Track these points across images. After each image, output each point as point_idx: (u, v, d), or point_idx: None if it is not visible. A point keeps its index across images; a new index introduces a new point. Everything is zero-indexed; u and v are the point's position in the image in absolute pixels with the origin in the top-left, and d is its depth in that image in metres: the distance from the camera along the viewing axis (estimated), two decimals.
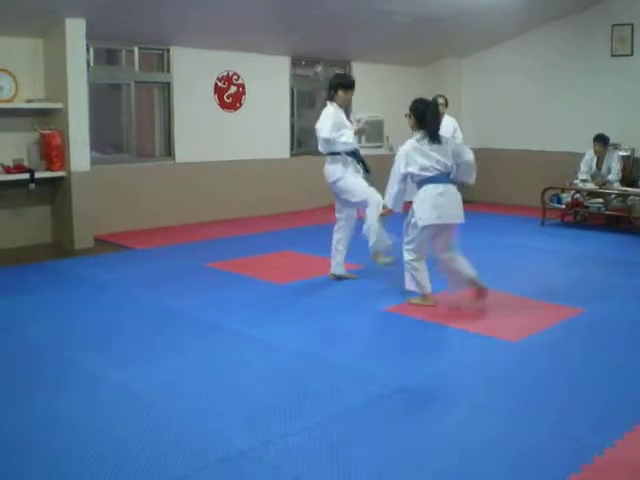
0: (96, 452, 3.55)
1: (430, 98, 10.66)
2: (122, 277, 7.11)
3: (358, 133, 6.78)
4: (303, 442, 3.69)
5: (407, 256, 6.16)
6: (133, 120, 9.61)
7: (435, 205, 5.89)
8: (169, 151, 10.00)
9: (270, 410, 4.08)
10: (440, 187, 5.93)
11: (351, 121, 6.94)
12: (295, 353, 5.07)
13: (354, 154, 6.75)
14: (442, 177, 5.95)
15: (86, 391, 4.35)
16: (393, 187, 6.15)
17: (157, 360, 4.88)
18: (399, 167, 6.04)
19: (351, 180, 6.67)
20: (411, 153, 5.96)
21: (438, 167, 5.92)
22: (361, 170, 6.77)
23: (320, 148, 6.80)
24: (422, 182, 5.97)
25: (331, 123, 6.58)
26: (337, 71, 12.06)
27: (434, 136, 5.95)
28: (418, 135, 5.99)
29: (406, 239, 6.16)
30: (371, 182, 6.95)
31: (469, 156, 6.07)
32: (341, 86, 6.73)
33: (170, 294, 6.50)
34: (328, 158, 6.79)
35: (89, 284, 6.87)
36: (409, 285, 6.27)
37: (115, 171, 9.31)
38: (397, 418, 4.08)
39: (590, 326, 5.76)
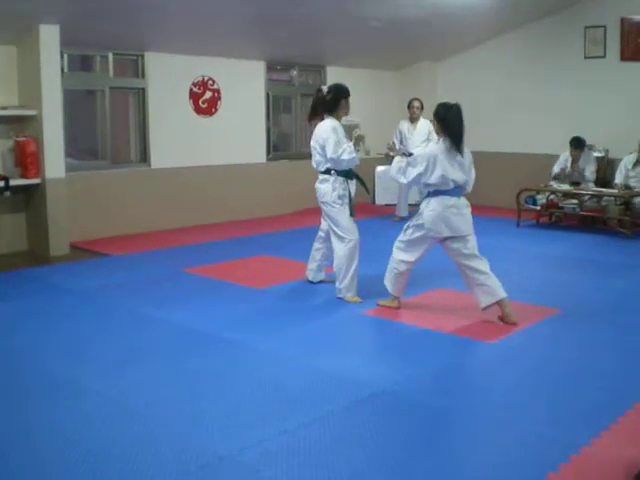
0: (78, 460, 3.53)
1: (406, 102, 10.90)
2: (99, 285, 7.06)
3: (356, 143, 6.47)
4: (282, 446, 3.70)
5: (398, 254, 6.07)
6: (108, 126, 9.57)
7: (446, 219, 5.76)
8: (145, 157, 9.96)
9: (249, 415, 4.09)
10: (452, 200, 5.79)
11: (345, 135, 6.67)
12: (274, 358, 5.07)
13: (349, 173, 6.55)
14: (456, 190, 5.82)
15: (66, 400, 4.33)
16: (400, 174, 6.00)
17: (137, 368, 4.86)
18: (413, 168, 5.83)
19: (338, 210, 6.45)
20: (439, 159, 5.71)
21: (458, 182, 5.78)
22: (351, 191, 6.55)
23: (314, 165, 6.60)
24: (435, 193, 5.82)
25: (334, 141, 6.34)
26: (313, 75, 12.15)
27: (458, 145, 5.73)
28: (443, 143, 5.77)
29: (403, 238, 6.05)
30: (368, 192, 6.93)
31: (473, 173, 5.98)
32: (345, 95, 6.52)
33: (148, 301, 6.47)
34: (319, 176, 6.58)
35: (66, 292, 6.82)
36: (387, 283, 6.21)
37: (90, 177, 9.26)
38: (377, 421, 4.09)
39: (567, 327, 5.80)
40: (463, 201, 5.89)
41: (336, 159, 6.36)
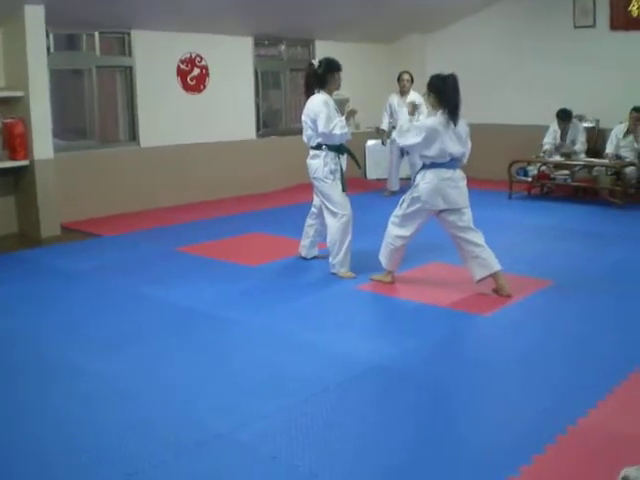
0: (77, 442, 3.55)
1: (396, 75, 10.84)
2: (92, 265, 7.03)
3: (348, 117, 6.41)
4: (280, 423, 3.71)
5: (394, 230, 6.04)
6: (96, 106, 9.49)
7: (442, 191, 5.74)
8: (133, 135, 9.90)
9: (245, 392, 4.10)
10: (449, 172, 5.77)
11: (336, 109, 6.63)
12: (269, 334, 5.07)
13: (340, 148, 6.51)
14: (452, 163, 5.79)
15: (62, 382, 4.33)
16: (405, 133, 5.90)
17: (131, 348, 4.85)
18: (412, 137, 5.77)
19: (330, 185, 6.43)
20: (438, 132, 5.66)
21: (456, 154, 5.76)
22: (342, 166, 6.52)
23: (305, 139, 6.57)
24: (431, 165, 5.80)
25: (326, 116, 6.29)
26: (301, 50, 12.07)
27: (455, 116, 5.70)
28: (442, 116, 5.71)
29: (399, 212, 6.01)
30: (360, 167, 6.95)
31: (469, 144, 5.94)
32: (335, 69, 6.45)
33: (142, 281, 6.45)
34: (310, 152, 6.55)
35: (58, 273, 6.80)
36: (382, 258, 6.19)
37: (79, 158, 9.21)
38: (374, 396, 4.11)
39: (559, 298, 5.82)
40: (459, 173, 5.87)
41: (328, 134, 6.33)
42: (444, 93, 5.68)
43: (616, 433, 3.55)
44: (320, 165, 6.45)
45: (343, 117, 6.37)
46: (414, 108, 6.55)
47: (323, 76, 6.45)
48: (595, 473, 3.17)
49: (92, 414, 3.86)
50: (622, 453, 3.30)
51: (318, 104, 6.37)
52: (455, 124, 5.72)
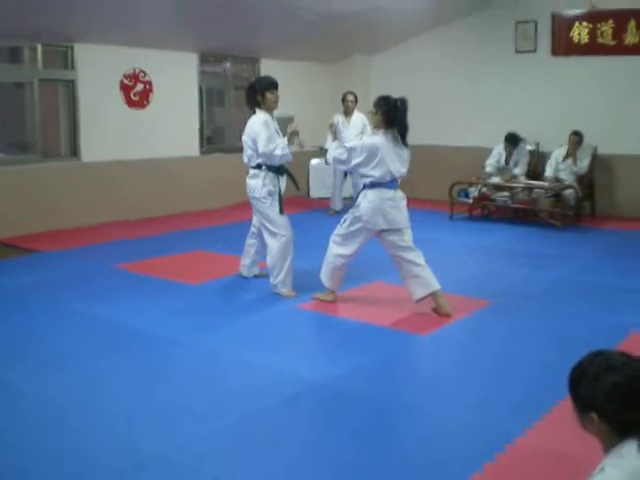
0: (6, 465, 3.46)
1: (341, 95, 10.90)
2: (30, 282, 6.90)
3: (290, 138, 6.36)
4: (220, 444, 3.68)
5: (335, 249, 6.05)
6: (37, 119, 9.35)
7: (383, 211, 5.78)
8: (75, 150, 9.77)
9: (185, 413, 4.06)
10: (390, 192, 5.82)
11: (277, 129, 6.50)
12: (209, 354, 5.03)
13: (280, 169, 6.51)
14: (393, 183, 5.85)
15: (2, 401, 4.24)
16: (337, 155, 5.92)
17: (68, 368, 4.76)
18: (351, 158, 5.79)
19: (268, 206, 6.40)
20: (380, 151, 5.69)
21: (395, 174, 5.80)
22: (281, 187, 6.51)
23: (245, 160, 6.53)
24: (372, 185, 5.82)
25: (266, 136, 6.25)
26: (246, 68, 12.07)
27: (404, 138, 5.77)
28: (385, 135, 5.75)
29: (340, 231, 6.03)
30: (298, 189, 7.01)
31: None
32: (268, 87, 6.40)
33: (80, 298, 6.34)
34: (250, 171, 6.51)
35: None
36: (323, 277, 6.19)
37: (20, 172, 9.05)
38: (314, 416, 4.11)
39: (498, 317, 5.90)
40: (399, 194, 5.92)
41: (268, 154, 6.30)
42: (395, 114, 5.72)
43: (553, 452, 3.60)
44: (259, 185, 6.42)
45: (285, 138, 6.36)
46: (335, 131, 6.55)
47: (258, 94, 6.43)
48: None
49: (25, 436, 3.78)
50: (559, 472, 3.35)
51: (257, 124, 6.35)
52: (404, 144, 5.79)
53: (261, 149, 6.31)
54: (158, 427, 3.86)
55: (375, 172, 5.75)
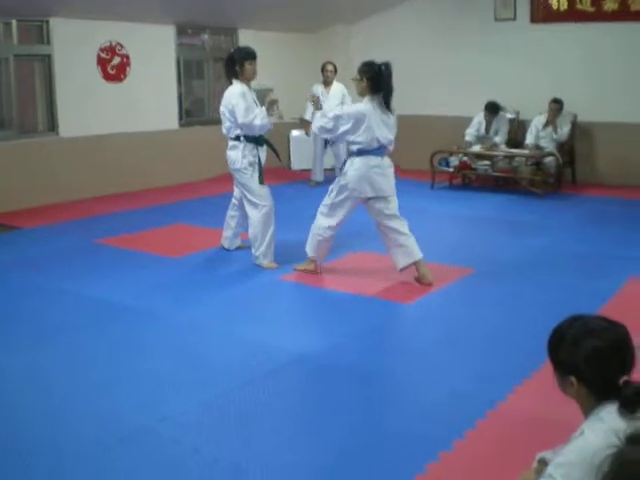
0: None
1: (320, 65, 10.84)
2: (8, 259, 6.85)
3: (269, 108, 6.35)
4: (202, 416, 3.69)
5: (322, 220, 6.02)
6: (14, 95, 9.23)
7: (370, 178, 5.75)
8: (53, 126, 9.67)
9: (168, 386, 4.06)
10: (377, 160, 5.79)
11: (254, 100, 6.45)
12: (192, 326, 5.02)
13: (259, 140, 6.47)
14: (380, 150, 5.81)
15: None
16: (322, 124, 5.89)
17: (51, 343, 4.74)
18: (337, 125, 5.76)
19: (249, 177, 6.39)
20: (366, 118, 5.67)
21: (382, 141, 5.76)
22: (261, 158, 6.49)
23: (224, 131, 6.50)
24: (359, 152, 5.80)
25: (244, 107, 6.23)
26: (224, 39, 11.97)
27: (389, 103, 5.76)
28: (371, 102, 5.73)
29: (327, 201, 6.00)
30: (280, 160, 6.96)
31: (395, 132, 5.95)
32: (247, 58, 6.36)
33: (60, 274, 6.31)
34: (229, 143, 6.50)
35: None
36: (308, 248, 6.16)
37: None
38: (298, 387, 4.12)
39: (481, 285, 5.92)
40: (387, 161, 5.90)
41: (248, 124, 6.27)
42: (380, 80, 5.70)
43: (534, 417, 3.63)
44: (239, 157, 6.40)
45: (264, 107, 6.33)
46: (317, 101, 6.51)
47: (236, 65, 6.39)
48: (514, 456, 3.22)
49: (8, 409, 3.78)
50: (539, 436, 3.36)
51: (234, 95, 6.31)
52: (389, 110, 5.76)
53: (240, 120, 6.27)
54: (140, 400, 3.86)
55: (362, 139, 5.72)
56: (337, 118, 5.81)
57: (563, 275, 6.17)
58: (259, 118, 6.25)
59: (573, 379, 2.24)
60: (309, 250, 6.17)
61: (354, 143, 5.81)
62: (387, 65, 5.73)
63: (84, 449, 3.35)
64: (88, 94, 9.87)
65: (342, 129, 5.78)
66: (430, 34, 12.06)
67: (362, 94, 5.84)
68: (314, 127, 6.05)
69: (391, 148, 6.00)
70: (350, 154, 5.95)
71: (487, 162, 10.40)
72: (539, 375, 4.03)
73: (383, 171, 5.84)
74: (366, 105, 5.75)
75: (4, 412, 3.78)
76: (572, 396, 2.30)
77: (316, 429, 3.57)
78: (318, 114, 6.04)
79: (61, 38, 9.49)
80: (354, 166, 5.83)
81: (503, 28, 11.30)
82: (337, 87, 10.73)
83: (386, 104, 5.76)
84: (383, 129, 5.77)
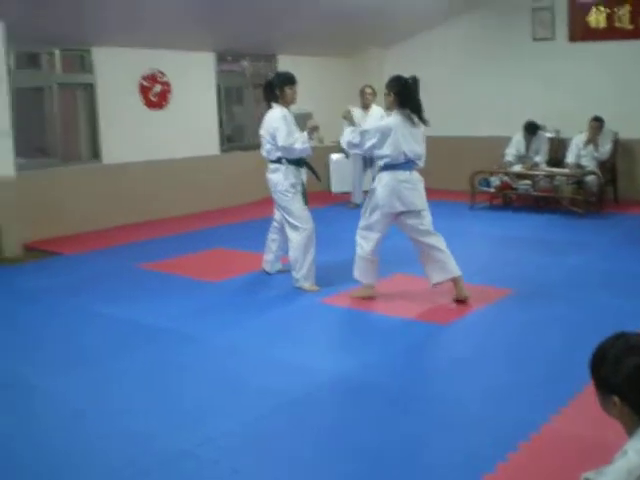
0: (27, 463, 3.50)
1: (359, 88, 10.89)
2: (54, 284, 6.98)
3: (310, 133, 6.42)
4: (242, 438, 3.71)
5: (362, 243, 6.01)
6: (58, 123, 9.43)
7: (399, 193, 5.74)
8: (96, 153, 9.85)
9: (208, 408, 4.09)
10: (405, 174, 5.78)
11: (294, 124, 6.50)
12: (231, 350, 5.06)
13: (300, 162, 6.54)
14: (408, 164, 5.80)
15: (17, 399, 4.29)
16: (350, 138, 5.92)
17: (90, 366, 4.81)
18: (364, 140, 5.78)
19: (291, 199, 6.44)
20: (393, 131, 5.68)
21: (410, 155, 5.75)
22: (303, 180, 6.55)
23: (264, 153, 6.57)
24: (387, 167, 5.81)
25: (285, 130, 6.30)
26: (264, 65, 12.10)
27: (419, 116, 5.75)
28: (397, 115, 5.76)
29: (363, 223, 6.01)
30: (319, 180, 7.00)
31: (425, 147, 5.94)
32: (287, 82, 6.47)
33: (101, 298, 6.41)
34: (270, 166, 6.57)
35: (18, 293, 6.73)
36: (357, 274, 6.14)
37: (41, 176, 9.12)
38: (337, 409, 4.13)
39: (520, 306, 5.87)
40: (416, 175, 5.88)
41: (288, 147, 6.34)
42: (406, 93, 5.74)
43: (578, 438, 3.60)
44: (280, 179, 6.46)
45: (305, 132, 6.39)
46: (349, 115, 6.53)
47: (276, 90, 6.48)
48: (558, 478, 3.20)
49: (46, 432, 3.85)
50: (584, 457, 3.33)
51: (276, 118, 6.39)
52: (422, 121, 5.78)
53: (281, 142, 6.34)
54: (179, 423, 3.89)
55: (389, 152, 5.73)
56: (364, 133, 5.85)
57: (604, 295, 6.10)
58: (300, 142, 6.32)
59: (616, 399, 2.20)
60: (358, 276, 6.14)
61: (381, 157, 5.83)
62: (413, 79, 5.78)
63: (121, 473, 3.38)
64: (130, 121, 10.04)
65: (369, 143, 5.80)
66: (467, 54, 12.08)
67: (390, 108, 5.89)
68: (342, 142, 6.08)
69: (421, 163, 5.96)
70: (378, 170, 5.96)
71: (528, 182, 10.34)
72: (583, 396, 3.98)
73: (413, 185, 5.82)
74: (393, 119, 5.79)
75: (39, 435, 3.83)
76: (615, 416, 2.26)
77: (355, 449, 3.56)
78: (347, 130, 6.07)
79: (103, 66, 9.68)
80: (382, 182, 5.84)
81: (541, 47, 11.27)
82: (376, 110, 10.76)
83: (417, 116, 5.77)
84: (411, 143, 5.77)
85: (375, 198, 5.88)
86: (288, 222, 6.52)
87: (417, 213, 5.84)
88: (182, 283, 6.89)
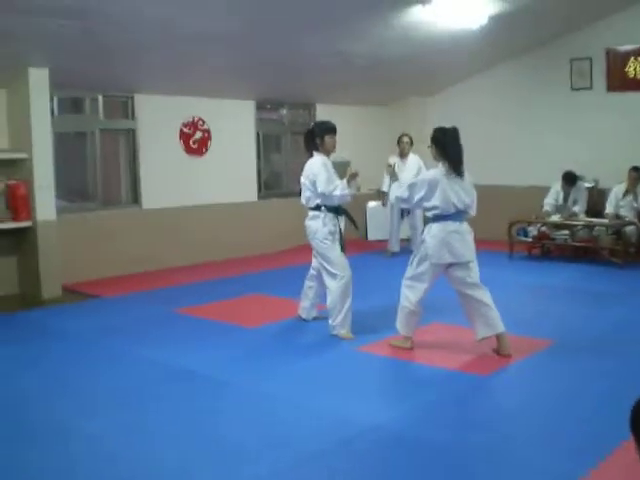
0: None
1: (396, 137, 10.94)
2: (91, 326, 7.02)
3: (349, 180, 6.46)
4: None
5: (407, 293, 5.95)
6: (98, 167, 9.59)
7: (448, 244, 5.70)
8: (135, 198, 9.98)
9: (242, 454, 4.05)
10: (454, 225, 5.75)
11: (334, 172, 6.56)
12: (268, 397, 5.02)
13: (339, 210, 6.58)
14: (458, 215, 5.78)
15: (54, 442, 4.28)
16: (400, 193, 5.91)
17: (126, 410, 4.81)
18: (413, 194, 5.78)
19: (329, 247, 6.47)
20: (440, 183, 5.68)
21: (459, 205, 5.73)
22: (341, 228, 6.58)
23: (303, 201, 6.62)
24: (436, 218, 5.79)
25: (325, 177, 6.37)
26: (302, 113, 12.23)
27: (458, 168, 5.74)
28: (443, 167, 5.76)
29: (409, 273, 5.96)
30: (357, 228, 6.99)
31: (475, 196, 5.95)
32: (328, 132, 6.54)
33: (140, 343, 6.42)
34: (309, 213, 6.61)
35: (57, 335, 6.78)
36: (398, 325, 6.07)
37: (82, 219, 9.26)
38: (371, 458, 4.06)
39: (559, 358, 5.78)
40: (465, 226, 5.85)
41: (328, 194, 6.38)
42: (445, 144, 5.74)
43: None
44: (319, 226, 6.49)
45: (344, 180, 6.42)
46: (392, 170, 6.53)
47: (316, 138, 6.56)
48: None
49: (84, 477, 3.83)
50: None
51: (317, 165, 6.45)
52: (459, 174, 5.75)
53: (320, 189, 6.38)
54: (213, 470, 3.86)
55: (437, 203, 5.71)
56: (412, 186, 5.84)
57: None
58: (339, 189, 6.36)
59: None
60: (400, 327, 6.08)
61: (431, 209, 5.80)
62: (453, 129, 5.78)
63: None
64: (170, 167, 10.18)
65: (417, 196, 5.79)
66: (506, 104, 12.12)
67: (436, 159, 5.87)
68: (391, 197, 6.09)
69: (472, 212, 5.94)
70: (427, 221, 5.95)
71: (566, 232, 10.27)
72: (621, 451, 3.90)
73: (462, 237, 5.78)
74: (439, 170, 5.78)
75: (74, 478, 3.83)
76: None
77: None
78: (395, 185, 6.07)
79: (145, 113, 9.86)
80: (432, 232, 5.80)
81: (580, 97, 11.28)
82: (413, 158, 10.80)
83: (454, 169, 5.74)
84: (459, 193, 5.74)
85: (424, 249, 5.84)
86: (326, 269, 6.52)
87: (465, 265, 5.80)
88: (218, 328, 6.89)
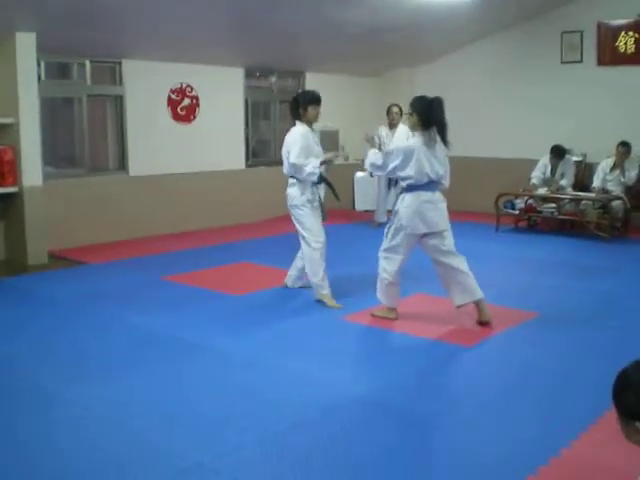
0: (47, 471, 3.51)
1: (385, 107, 10.92)
2: (77, 293, 7.01)
3: (325, 162, 6.47)
4: (260, 453, 3.69)
5: (384, 265, 5.98)
6: (86, 134, 9.52)
7: (422, 214, 5.71)
8: (123, 164, 9.93)
9: (226, 421, 4.07)
10: (427, 195, 5.74)
11: (316, 142, 6.61)
12: (252, 364, 5.05)
13: (319, 178, 6.55)
14: (431, 185, 5.76)
15: (38, 408, 4.30)
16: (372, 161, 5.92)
17: (111, 376, 4.82)
18: (387, 162, 5.77)
19: (305, 213, 6.52)
20: (415, 153, 5.65)
21: (432, 176, 5.71)
22: (321, 196, 6.60)
23: (285, 170, 6.63)
24: (409, 188, 5.78)
25: (299, 147, 6.37)
26: (291, 82, 12.17)
27: (443, 134, 5.70)
28: (422, 136, 5.72)
29: (385, 245, 5.97)
30: (338, 199, 6.99)
31: (448, 167, 5.92)
32: (312, 102, 6.53)
33: (125, 309, 6.43)
34: (289, 181, 6.63)
35: (43, 301, 6.77)
36: (379, 295, 6.10)
37: (68, 185, 9.21)
38: (355, 426, 4.09)
39: (543, 329, 5.83)
40: (438, 196, 5.85)
41: (298, 165, 6.39)
42: (430, 114, 5.69)
43: (597, 464, 3.56)
44: (297, 193, 6.53)
45: (318, 161, 6.41)
46: (371, 139, 6.53)
47: (300, 108, 6.55)
48: None
49: (65, 442, 3.84)
50: None
51: (294, 136, 6.48)
52: (444, 142, 5.74)
53: (292, 159, 6.41)
54: (197, 436, 3.88)
55: (411, 174, 5.70)
56: (387, 154, 5.84)
57: (628, 320, 6.05)
58: (311, 166, 6.37)
59: (639, 425, 2.19)
60: (381, 298, 6.11)
61: (404, 179, 5.79)
62: (438, 100, 5.73)
63: None
64: (158, 134, 10.11)
65: (392, 165, 5.78)
66: (495, 76, 12.09)
67: (414, 128, 5.82)
68: (366, 164, 6.07)
69: (446, 183, 5.92)
70: (401, 191, 5.94)
71: (553, 205, 10.30)
72: (604, 421, 3.95)
73: (435, 206, 5.78)
74: (416, 140, 5.75)
75: (64, 442, 3.84)
76: (637, 443, 2.23)
77: (371, 470, 3.54)
78: (370, 152, 6.07)
79: (133, 79, 9.77)
80: (405, 203, 5.80)
81: (569, 70, 11.27)
82: (402, 129, 10.71)
83: (441, 138, 5.73)
84: (433, 164, 5.72)
85: (398, 220, 5.85)
86: (301, 235, 6.60)
87: (440, 234, 5.81)
88: (206, 296, 6.90)
